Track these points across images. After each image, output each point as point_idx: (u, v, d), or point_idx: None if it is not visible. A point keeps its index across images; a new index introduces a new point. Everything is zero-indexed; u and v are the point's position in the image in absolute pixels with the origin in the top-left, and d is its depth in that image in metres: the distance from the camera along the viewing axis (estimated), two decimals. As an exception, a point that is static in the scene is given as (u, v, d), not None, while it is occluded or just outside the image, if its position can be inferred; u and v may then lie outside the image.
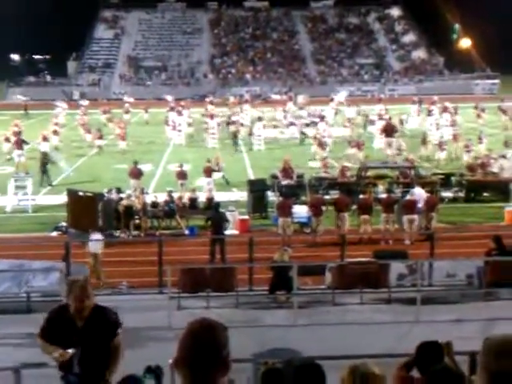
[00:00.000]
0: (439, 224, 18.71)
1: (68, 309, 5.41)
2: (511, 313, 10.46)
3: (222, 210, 17.92)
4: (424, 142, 30.62)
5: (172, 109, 40.58)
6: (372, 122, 36.84)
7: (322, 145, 30.02)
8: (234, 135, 34.50)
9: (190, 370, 2.55)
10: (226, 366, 2.60)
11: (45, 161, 26.02)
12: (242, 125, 37.20)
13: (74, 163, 29.87)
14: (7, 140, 31.63)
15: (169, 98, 49.38)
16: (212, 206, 18.68)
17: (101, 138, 34.01)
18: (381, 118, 36.48)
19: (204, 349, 2.56)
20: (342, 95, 51.57)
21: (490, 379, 2.52)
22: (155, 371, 4.65)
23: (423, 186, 20.10)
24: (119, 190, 20.03)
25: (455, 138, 31.27)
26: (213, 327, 2.66)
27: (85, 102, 50.56)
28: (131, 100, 50.78)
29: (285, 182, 22.13)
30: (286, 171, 22.88)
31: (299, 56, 74.90)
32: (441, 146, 29.72)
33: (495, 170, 23.95)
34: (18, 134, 30.42)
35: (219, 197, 21.07)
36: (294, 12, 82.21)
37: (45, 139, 31.60)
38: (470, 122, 39.43)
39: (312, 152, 30.16)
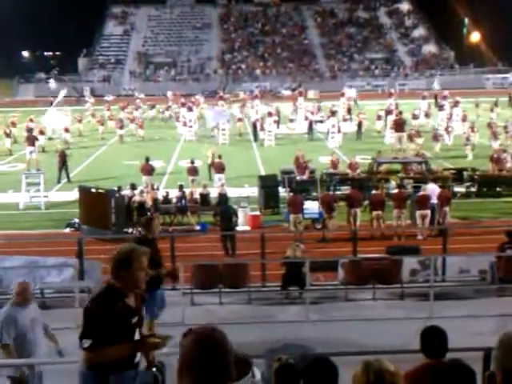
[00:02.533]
0: (452, 219, 18.65)
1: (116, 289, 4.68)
2: (525, 308, 10.41)
3: (232, 205, 17.97)
4: (435, 138, 30.65)
5: (183, 105, 40.56)
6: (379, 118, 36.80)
7: None
8: (254, 126, 35.35)
9: (194, 379, 2.51)
10: (230, 375, 2.55)
11: (64, 156, 26.24)
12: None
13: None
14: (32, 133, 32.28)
15: (169, 93, 50.01)
16: (220, 201, 18.74)
17: (121, 127, 36.17)
18: (390, 112, 36.38)
19: (210, 358, 2.51)
20: (352, 91, 51.47)
21: (505, 376, 2.51)
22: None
23: (435, 180, 20.04)
24: (133, 186, 20.04)
25: (472, 130, 31.38)
26: (218, 336, 2.60)
27: (109, 98, 51.18)
28: (142, 96, 50.88)
29: (299, 178, 22.15)
30: (301, 166, 22.93)
31: (309, 51, 74.71)
32: (436, 137, 30.62)
33: (509, 164, 23.89)
34: (30, 130, 30.55)
35: (230, 192, 21.09)
36: (303, 7, 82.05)
37: (66, 130, 32.49)
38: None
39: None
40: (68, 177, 25.90)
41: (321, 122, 37.22)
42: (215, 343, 2.54)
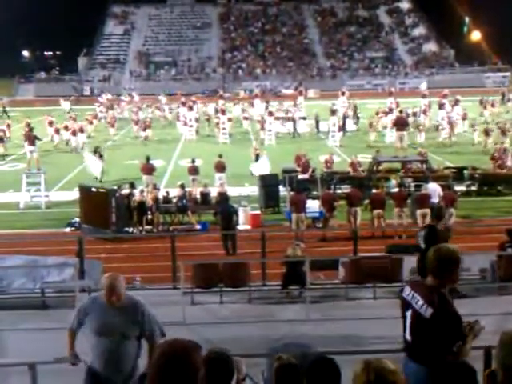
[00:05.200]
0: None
1: None
2: (526, 307, 10.40)
3: (232, 203, 17.97)
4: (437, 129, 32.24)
5: (183, 104, 40.56)
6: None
7: None
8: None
9: None
10: None
11: (97, 154, 26.40)
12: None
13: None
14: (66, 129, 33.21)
15: (162, 98, 48.36)
16: (221, 200, 18.73)
17: (145, 129, 35.54)
18: (390, 111, 36.37)
19: (176, 373, 2.51)
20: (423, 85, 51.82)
21: (507, 374, 2.51)
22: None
23: (435, 179, 20.03)
24: (132, 185, 20.04)
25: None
26: (185, 349, 2.60)
27: (126, 98, 51.06)
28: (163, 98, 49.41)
29: (301, 177, 22.18)
30: (303, 165, 22.98)
31: (309, 50, 74.70)
32: (419, 127, 32.75)
33: (509, 163, 23.88)
34: (30, 130, 30.55)
35: (231, 192, 21.09)
36: (303, 6, 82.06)
37: (81, 131, 32.46)
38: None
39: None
40: (101, 175, 25.81)
41: (304, 118, 37.26)
42: (184, 358, 2.54)
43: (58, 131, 34.35)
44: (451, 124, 33.09)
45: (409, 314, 4.62)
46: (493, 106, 40.91)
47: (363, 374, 2.97)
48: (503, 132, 30.35)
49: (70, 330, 5.91)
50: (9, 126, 35.62)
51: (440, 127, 32.58)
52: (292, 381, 4.23)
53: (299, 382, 4.17)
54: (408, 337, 4.66)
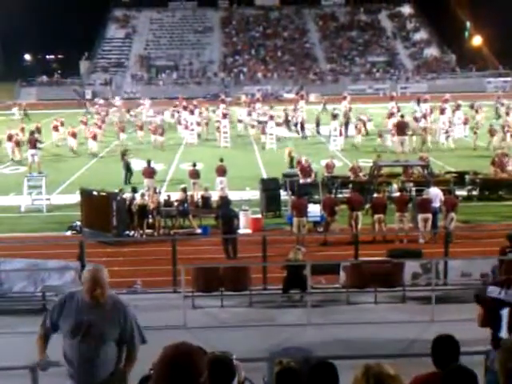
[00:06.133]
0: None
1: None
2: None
3: (233, 207, 17.97)
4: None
5: (184, 108, 40.57)
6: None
7: None
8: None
9: None
10: None
11: (126, 158, 26.51)
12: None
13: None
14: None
15: (146, 102, 47.58)
16: (222, 204, 18.73)
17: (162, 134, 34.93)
18: (391, 115, 36.40)
19: (181, 376, 2.52)
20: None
21: (508, 377, 2.50)
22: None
23: (437, 184, 20.03)
24: (134, 189, 20.05)
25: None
26: (190, 353, 2.61)
27: (100, 101, 50.86)
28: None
29: (303, 181, 22.19)
30: (305, 170, 23.02)
31: (310, 54, 74.75)
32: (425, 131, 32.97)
33: (510, 167, 23.88)
34: (32, 133, 30.59)
35: (232, 196, 21.09)
36: (304, 10, 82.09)
37: (94, 137, 32.36)
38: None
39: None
40: (130, 177, 25.95)
41: (266, 122, 37.47)
42: (188, 361, 2.56)
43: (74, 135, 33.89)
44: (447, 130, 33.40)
45: (506, 311, 4.53)
46: (477, 111, 40.58)
47: (363, 379, 2.97)
48: (491, 133, 31.44)
49: (41, 332, 5.28)
50: (23, 129, 35.10)
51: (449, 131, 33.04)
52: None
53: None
54: (504, 334, 4.56)
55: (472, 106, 42.40)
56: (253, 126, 37.89)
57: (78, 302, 5.05)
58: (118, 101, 51.78)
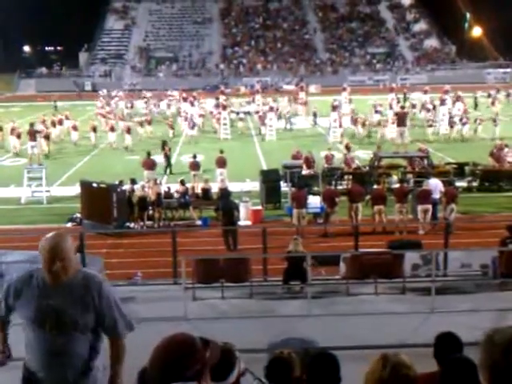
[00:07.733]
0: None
1: None
2: (527, 303, 10.41)
3: (233, 199, 17.97)
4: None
5: (185, 100, 40.47)
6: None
7: None
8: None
9: (154, 373, 2.55)
10: (181, 374, 2.54)
11: (166, 149, 26.57)
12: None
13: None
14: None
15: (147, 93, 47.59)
16: (222, 195, 18.73)
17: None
18: (391, 107, 36.36)
19: (165, 366, 2.53)
20: None
21: (495, 376, 2.43)
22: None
23: (436, 175, 20.03)
24: (133, 181, 20.06)
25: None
26: (183, 343, 2.61)
27: (104, 92, 50.68)
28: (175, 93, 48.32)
29: (304, 172, 22.19)
30: (308, 162, 23.00)
31: (310, 45, 74.58)
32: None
33: (510, 159, 23.86)
34: (31, 125, 30.54)
35: (232, 187, 21.08)
36: (304, 1, 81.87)
37: (112, 129, 32.22)
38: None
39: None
40: (170, 168, 26.18)
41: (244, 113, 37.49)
42: (176, 353, 2.56)
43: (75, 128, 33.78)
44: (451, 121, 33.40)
45: None
46: (493, 103, 40.61)
47: (380, 368, 2.95)
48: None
49: None
50: (44, 121, 34.90)
51: (453, 122, 33.06)
52: (281, 375, 4.23)
53: (289, 377, 4.18)
54: None
55: (489, 95, 42.38)
56: (241, 119, 37.85)
57: (38, 283, 4.01)
58: (119, 92, 51.85)
